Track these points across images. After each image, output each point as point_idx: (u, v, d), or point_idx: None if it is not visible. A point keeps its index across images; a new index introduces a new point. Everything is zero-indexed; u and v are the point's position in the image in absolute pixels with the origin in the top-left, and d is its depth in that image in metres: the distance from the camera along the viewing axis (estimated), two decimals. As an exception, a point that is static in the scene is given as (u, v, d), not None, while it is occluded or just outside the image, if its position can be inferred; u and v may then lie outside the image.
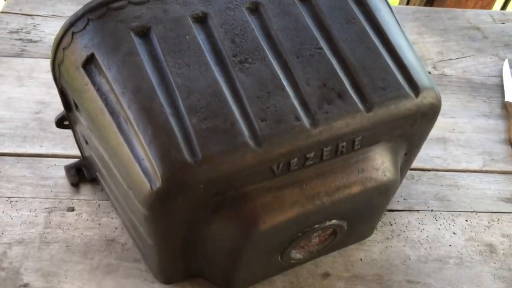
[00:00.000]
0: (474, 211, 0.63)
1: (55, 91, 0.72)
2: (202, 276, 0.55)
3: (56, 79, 0.50)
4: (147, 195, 0.41)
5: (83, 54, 0.45)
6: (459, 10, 0.94)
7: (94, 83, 0.45)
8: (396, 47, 0.49)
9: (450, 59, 0.84)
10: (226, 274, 0.52)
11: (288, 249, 0.50)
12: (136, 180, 0.42)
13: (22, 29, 0.82)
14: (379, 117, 0.45)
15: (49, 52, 0.78)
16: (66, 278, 0.54)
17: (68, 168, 0.63)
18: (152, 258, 0.51)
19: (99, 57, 0.44)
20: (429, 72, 0.81)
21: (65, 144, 0.66)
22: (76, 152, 0.64)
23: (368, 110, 0.45)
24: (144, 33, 0.45)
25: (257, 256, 0.49)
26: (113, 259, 0.56)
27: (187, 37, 0.46)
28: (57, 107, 0.70)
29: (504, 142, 0.72)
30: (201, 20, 0.47)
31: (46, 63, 0.77)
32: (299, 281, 0.56)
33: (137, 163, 0.41)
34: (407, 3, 1.15)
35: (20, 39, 0.80)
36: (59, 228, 0.58)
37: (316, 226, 0.49)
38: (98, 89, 0.45)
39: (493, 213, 0.63)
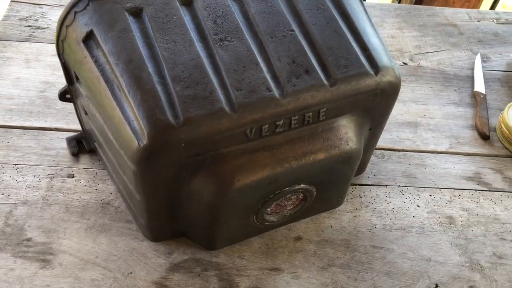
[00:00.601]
0: (438, 187, 0.69)
1: (59, 73, 0.79)
2: (186, 236, 0.61)
3: (60, 54, 0.57)
4: (135, 152, 0.47)
5: (83, 31, 0.52)
6: (438, 8, 1.00)
7: (92, 55, 0.51)
8: (360, 31, 0.55)
9: (427, 52, 0.90)
10: (206, 232, 0.58)
11: (261, 210, 0.56)
12: (126, 139, 0.48)
13: (31, 16, 0.88)
14: (341, 91, 0.52)
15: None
16: (64, 234, 0.60)
17: (69, 140, 0.69)
18: (141, 216, 0.57)
19: (97, 33, 0.51)
20: (405, 64, 0.87)
21: (67, 120, 0.72)
22: (77, 126, 0.70)
23: (332, 85, 0.51)
24: (137, 13, 0.51)
25: (233, 214, 0.55)
26: (107, 220, 0.62)
27: (175, 17, 0.52)
28: (61, 87, 0.77)
29: (470, 127, 0.78)
30: (187, 3, 0.53)
31: (52, 48, 0.83)
32: (273, 243, 0.62)
33: (127, 123, 0.48)
34: (399, 2, 1.21)
35: (29, 26, 0.87)
36: (60, 192, 0.64)
37: (287, 188, 0.55)
38: (96, 61, 0.51)
39: (455, 190, 0.69)
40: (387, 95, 0.55)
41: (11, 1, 0.91)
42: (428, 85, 0.84)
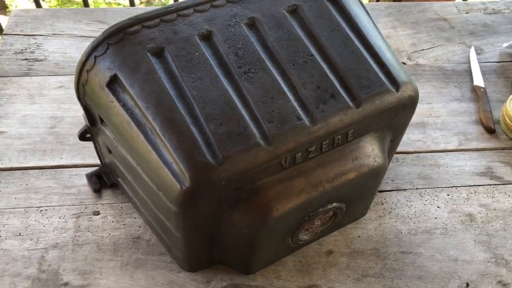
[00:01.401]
0: (454, 186, 0.72)
1: (66, 106, 0.78)
2: (223, 262, 0.62)
3: (80, 98, 0.56)
4: (177, 194, 0.47)
5: (107, 75, 0.52)
6: (426, 3, 1.02)
7: (119, 100, 0.51)
8: (376, 49, 0.56)
9: (423, 50, 0.92)
10: (244, 259, 0.59)
11: (297, 232, 0.58)
12: (166, 182, 0.48)
13: (26, 49, 0.87)
14: (367, 111, 0.53)
15: (55, 69, 0.84)
16: (101, 274, 0.60)
17: (89, 176, 0.69)
18: (178, 249, 0.58)
19: (121, 77, 0.51)
20: (404, 63, 0.89)
21: (83, 155, 0.72)
22: (94, 161, 0.70)
23: (357, 106, 0.52)
24: (159, 53, 0.52)
25: (271, 240, 0.56)
26: (140, 254, 0.62)
27: (197, 53, 0.52)
28: (70, 121, 0.76)
29: (475, 122, 0.80)
30: (207, 37, 0.54)
31: (54, 80, 0.82)
32: (306, 259, 0.63)
33: (166, 167, 0.48)
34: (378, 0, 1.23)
35: (26, 59, 0.85)
36: (88, 231, 0.64)
37: (320, 209, 0.56)
38: (124, 105, 0.51)
39: (470, 187, 0.72)
40: (407, 108, 0.57)
41: (3, 34, 0.89)
42: (430, 83, 0.86)
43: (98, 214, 0.66)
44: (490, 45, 0.94)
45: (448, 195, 0.71)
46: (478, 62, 0.90)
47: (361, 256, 0.64)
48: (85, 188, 0.69)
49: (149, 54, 0.51)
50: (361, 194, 0.60)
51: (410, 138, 0.77)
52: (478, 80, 0.86)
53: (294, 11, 0.57)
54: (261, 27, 0.55)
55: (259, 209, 0.52)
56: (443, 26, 0.97)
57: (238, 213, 0.52)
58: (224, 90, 0.50)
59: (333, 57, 0.55)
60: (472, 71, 0.88)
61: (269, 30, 0.55)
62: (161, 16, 0.54)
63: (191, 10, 0.55)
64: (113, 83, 0.52)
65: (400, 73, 0.56)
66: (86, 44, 0.88)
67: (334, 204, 0.57)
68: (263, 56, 0.53)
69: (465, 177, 0.73)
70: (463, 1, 1.06)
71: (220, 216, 0.52)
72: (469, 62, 0.90)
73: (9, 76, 0.82)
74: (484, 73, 0.88)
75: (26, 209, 0.66)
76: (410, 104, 0.57)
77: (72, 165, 0.71)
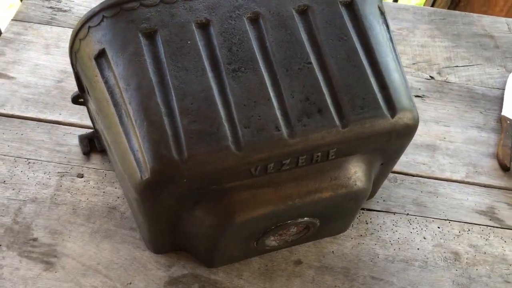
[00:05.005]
0: (447, 219, 0.68)
1: (77, 63, 0.78)
2: (187, 250, 0.62)
3: (73, 64, 0.56)
4: (137, 183, 0.47)
5: (96, 48, 0.51)
6: (475, 15, 0.94)
7: (103, 76, 0.50)
8: (381, 67, 0.53)
9: (457, 66, 0.86)
10: (206, 253, 0.58)
11: (262, 238, 0.56)
12: (130, 168, 0.48)
13: (53, -3, 0.87)
14: (353, 133, 0.50)
15: (76, 23, 0.84)
16: (69, 237, 0.62)
17: (81, 138, 0.69)
18: (143, 231, 0.58)
19: (109, 53, 0.50)
20: (432, 77, 0.84)
21: (81, 115, 0.72)
22: (90, 123, 0.70)
23: (344, 126, 0.49)
24: (150, 35, 0.50)
25: (233, 242, 0.55)
26: (112, 225, 0.63)
27: (189, 42, 0.50)
28: (78, 78, 0.76)
29: (491, 156, 0.75)
30: (204, 26, 0.51)
31: (72, 33, 0.82)
32: (273, 264, 0.62)
33: (131, 153, 0.47)
34: (432, 5, 1.15)
35: (51, 7, 0.86)
36: (68, 192, 0.65)
37: (289, 221, 0.54)
38: (106, 82, 0.50)
39: (465, 223, 0.68)
40: (402, 136, 0.53)
41: (35, -22, 0.89)
42: (453, 104, 0.81)
43: (82, 177, 0.67)
44: (533, 74, 0.87)
45: (438, 227, 0.67)
46: (514, 91, 0.83)
47: (330, 273, 0.62)
48: (75, 149, 0.69)
49: (140, 35, 0.50)
50: (337, 213, 0.58)
51: (416, 160, 0.73)
52: (508, 110, 0.80)
53: (303, 12, 0.54)
54: (264, 24, 0.52)
55: (221, 212, 0.50)
56: (486, 44, 0.90)
57: (200, 211, 0.51)
58: (207, 85, 0.49)
59: (332, 69, 0.51)
60: (504, 99, 0.82)
61: (271, 29, 0.52)
62: (162, -5, 0.52)
63: (194, -6, 0.53)
64: (100, 57, 0.51)
65: (401, 98, 0.52)
66: (112, 2, 0.87)
67: (305, 218, 0.55)
68: (257, 56, 0.51)
69: (462, 212, 0.69)
70: (517, 20, 0.98)
71: (182, 210, 0.51)
72: (503, 89, 0.84)
73: (31, 22, 0.83)
74: (516, 103, 0.82)
75: (16, 158, 0.67)
76: (405, 132, 0.53)
77: (68, 123, 0.72)
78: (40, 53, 0.79)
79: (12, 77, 0.76)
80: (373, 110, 0.50)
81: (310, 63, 0.51)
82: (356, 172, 0.53)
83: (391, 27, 0.90)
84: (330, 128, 0.49)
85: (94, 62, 0.51)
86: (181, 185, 0.47)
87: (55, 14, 0.85)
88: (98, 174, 0.67)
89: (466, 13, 0.95)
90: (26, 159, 0.68)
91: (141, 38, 0.50)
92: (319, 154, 0.50)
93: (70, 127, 0.71)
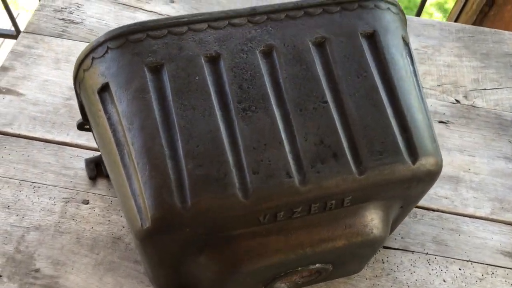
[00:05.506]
0: (470, 261, 0.64)
1: (87, 80, 0.76)
2: None
3: (77, 93, 0.53)
4: (138, 230, 0.44)
5: (100, 81, 0.48)
6: (507, 33, 0.89)
7: (106, 111, 0.48)
8: (403, 107, 0.49)
9: (485, 89, 0.81)
10: (212, 293, 0.56)
11: (271, 284, 0.53)
12: (131, 213, 0.45)
13: (66, 8, 0.85)
14: (371, 181, 0.46)
15: (88, 36, 0.82)
16: (72, 269, 0.60)
17: (88, 162, 0.67)
18: (147, 270, 0.55)
19: (113, 88, 0.47)
20: (458, 101, 0.79)
21: (89, 136, 0.70)
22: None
23: (361, 173, 0.46)
24: (157, 69, 0.47)
25: (240, 286, 0.52)
26: (116, 257, 0.61)
27: (197, 77, 0.47)
28: (87, 96, 0.74)
29: (519, 190, 0.70)
30: (213, 60, 0.48)
31: (84, 47, 0.79)
32: (282, 305, 0.59)
33: (133, 198, 0.45)
34: (456, 20, 1.10)
35: (63, 19, 0.83)
36: (73, 219, 0.63)
37: (299, 268, 0.51)
38: (109, 118, 0.47)
39: (488, 266, 0.64)
40: (424, 182, 0.49)
41: (49, -12, 0.87)
42: (480, 132, 0.76)
43: (87, 203, 0.65)
44: None
45: (460, 269, 0.63)
46: (545, 117, 0.78)
47: (342, 316, 0.59)
48: (81, 173, 0.67)
49: (146, 69, 0.47)
50: (351, 259, 0.54)
51: (437, 193, 0.69)
52: (538, 139, 0.75)
53: (320, 44, 0.50)
54: (278, 58, 0.49)
55: (227, 261, 0.47)
56: (517, 65, 0.85)
57: (205, 258, 0.48)
58: (215, 126, 0.45)
59: (349, 108, 0.48)
60: (535, 127, 0.77)
61: (285, 63, 0.49)
62: (170, 26, 0.49)
63: (204, 25, 0.49)
64: (104, 91, 0.48)
65: (424, 142, 0.48)
66: (125, 14, 0.85)
67: (317, 265, 0.52)
68: (269, 94, 0.47)
69: (486, 253, 0.65)
70: (551, 38, 0.92)
71: (185, 256, 0.48)
72: (534, 115, 0.79)
73: (42, 35, 0.81)
74: (548, 132, 0.77)
75: (21, 181, 0.66)
76: (428, 178, 0.49)
77: (75, 145, 0.69)
78: (50, 68, 0.77)
79: (21, 94, 0.74)
80: (392, 155, 0.47)
81: (326, 102, 0.48)
82: (372, 219, 0.50)
83: (416, 44, 0.86)
84: (345, 175, 0.45)
85: (97, 96, 0.48)
86: (184, 233, 0.44)
87: (67, 26, 0.82)
88: (104, 201, 0.65)
89: (497, 30, 0.90)
90: (31, 183, 0.66)
91: (147, 73, 0.47)
92: (333, 202, 0.47)
93: (77, 148, 0.69)
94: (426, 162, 0.48)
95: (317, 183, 0.45)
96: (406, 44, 0.54)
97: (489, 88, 0.82)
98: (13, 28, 1.52)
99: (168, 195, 0.43)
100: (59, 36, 0.81)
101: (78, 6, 0.85)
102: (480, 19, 1.31)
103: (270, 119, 0.46)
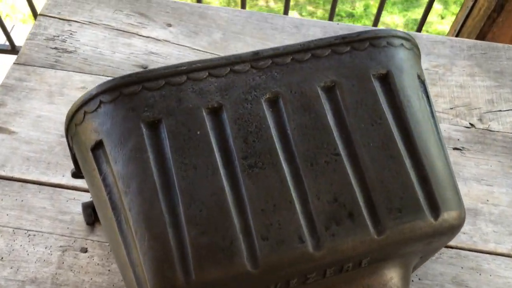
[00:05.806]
0: (492, 302, 0.60)
1: (82, 115, 0.72)
2: None
3: (70, 147, 0.50)
4: (138, 305, 0.41)
5: (93, 138, 0.44)
6: (521, 49, 0.85)
7: (100, 171, 0.44)
8: (422, 156, 0.45)
9: (500, 111, 0.77)
10: None
11: None
12: (130, 283, 0.42)
13: (58, 36, 0.81)
14: (390, 241, 0.43)
15: (82, 66, 0.78)
16: (71, 326, 0.56)
17: (85, 207, 0.63)
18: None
19: (107, 146, 0.43)
20: (473, 125, 0.75)
21: (86, 177, 0.66)
22: (95, 187, 0.65)
23: (379, 233, 0.42)
24: (154, 125, 0.43)
25: None
26: (117, 311, 0.57)
27: (198, 132, 0.44)
28: (83, 133, 0.70)
29: (541, 222, 0.67)
30: (215, 112, 0.44)
31: (78, 78, 0.76)
32: None
33: (131, 268, 0.41)
34: (462, 26, 1.06)
35: (56, 48, 0.80)
36: (71, 270, 0.60)
37: (313, 329, 0.48)
38: (104, 179, 0.44)
39: (512, 307, 0.60)
40: (445, 237, 0.46)
41: (39, 15, 0.83)
42: (497, 159, 0.72)
43: (86, 251, 0.61)
44: None
45: (482, 313, 0.60)
46: None
47: None
48: (78, 218, 0.63)
49: (142, 125, 0.43)
50: (368, 315, 0.51)
51: (455, 228, 0.65)
52: (559, 165, 0.71)
53: (330, 89, 0.46)
54: (284, 106, 0.45)
55: (235, 330, 0.44)
56: (533, 82, 0.81)
57: (211, 326, 0.45)
58: (219, 187, 0.42)
59: (364, 161, 0.44)
60: (554, 151, 0.73)
61: (292, 112, 0.45)
62: (168, 76, 0.45)
63: (205, 73, 0.46)
64: (98, 149, 0.44)
65: (446, 195, 0.44)
66: (120, 40, 0.81)
67: (332, 324, 0.49)
68: (277, 147, 0.44)
69: (509, 294, 0.61)
70: None
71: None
72: (553, 138, 0.75)
73: (34, 66, 0.77)
74: None
75: (15, 230, 0.62)
76: (449, 233, 0.45)
77: (72, 187, 0.66)
78: (43, 103, 0.73)
79: (13, 132, 0.70)
80: (413, 213, 0.43)
81: (339, 154, 0.44)
82: (392, 278, 0.46)
83: (426, 64, 0.82)
84: (363, 237, 0.42)
85: (90, 154, 0.45)
86: (189, 307, 0.41)
87: (60, 56, 0.79)
88: (103, 248, 0.62)
89: (510, 46, 0.85)
90: (26, 231, 0.62)
91: (143, 130, 0.43)
92: (350, 264, 0.43)
93: (73, 191, 0.66)
94: (448, 217, 0.44)
95: (332, 248, 0.41)
96: (422, 82, 0.50)
97: (504, 109, 0.78)
98: (7, 43, 1.48)
99: (169, 268, 0.39)
100: (52, 66, 0.78)
101: (71, 34, 0.81)
102: (489, 25, 1.26)
103: (278, 176, 0.43)
